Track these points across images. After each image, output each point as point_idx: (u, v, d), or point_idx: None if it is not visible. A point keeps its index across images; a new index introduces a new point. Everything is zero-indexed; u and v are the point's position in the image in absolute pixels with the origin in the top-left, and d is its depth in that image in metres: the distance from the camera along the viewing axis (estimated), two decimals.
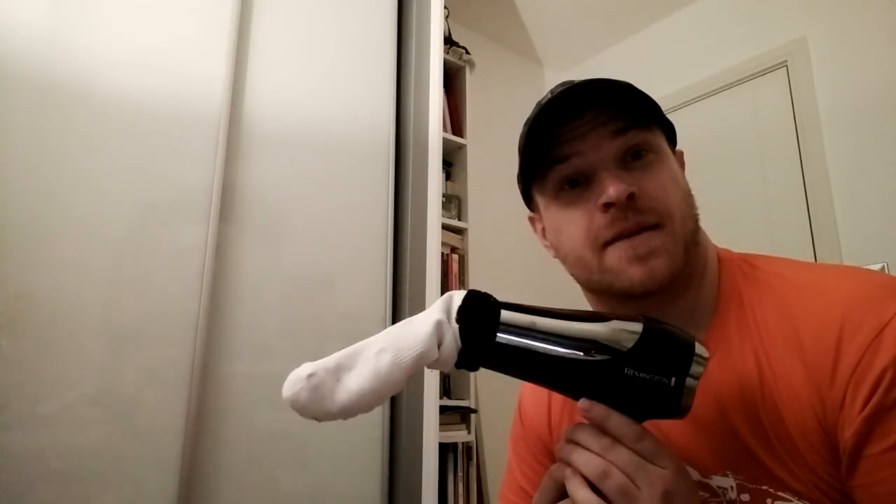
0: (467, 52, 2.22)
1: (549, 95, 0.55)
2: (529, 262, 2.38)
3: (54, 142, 1.07)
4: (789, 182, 1.99)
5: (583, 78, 0.54)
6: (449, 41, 2.14)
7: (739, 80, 2.20)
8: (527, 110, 0.56)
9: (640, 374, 0.41)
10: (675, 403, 0.41)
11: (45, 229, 1.03)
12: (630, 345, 0.41)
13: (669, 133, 0.59)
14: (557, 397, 0.65)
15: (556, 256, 0.59)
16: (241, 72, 1.32)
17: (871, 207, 1.78)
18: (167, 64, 1.21)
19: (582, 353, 0.41)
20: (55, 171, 1.06)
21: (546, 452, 0.68)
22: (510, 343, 0.42)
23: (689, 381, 0.41)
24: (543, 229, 0.61)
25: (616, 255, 0.51)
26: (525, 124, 0.56)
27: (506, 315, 0.43)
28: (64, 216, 1.05)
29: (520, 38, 2.71)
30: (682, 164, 0.59)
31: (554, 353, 0.42)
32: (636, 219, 0.50)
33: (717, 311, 0.53)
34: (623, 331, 0.42)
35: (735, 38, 2.24)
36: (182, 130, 1.21)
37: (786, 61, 2.07)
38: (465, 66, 2.21)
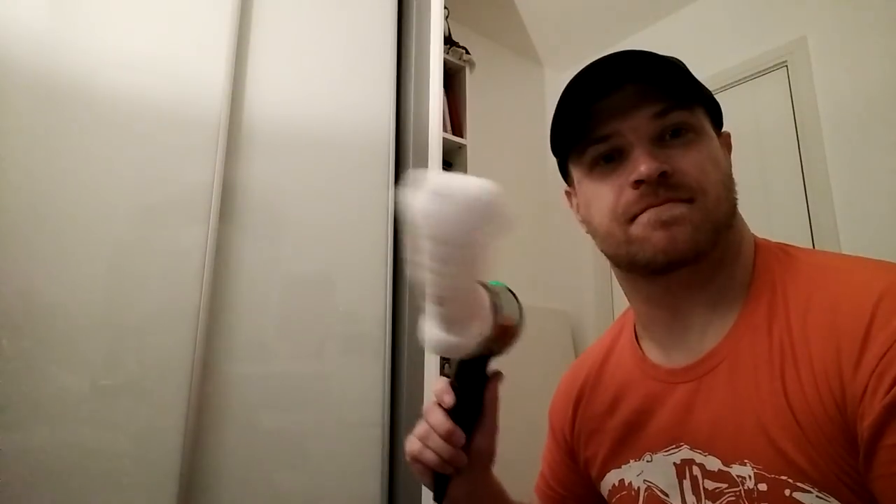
0: (467, 52, 2.22)
1: (589, 64, 0.54)
2: (529, 261, 2.38)
3: (55, 142, 1.07)
4: (789, 182, 1.99)
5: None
6: (449, 41, 2.14)
7: (739, 80, 2.20)
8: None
9: None
10: None
11: (46, 229, 1.03)
12: None
13: (715, 113, 0.58)
14: (587, 404, 0.66)
15: (588, 231, 0.60)
16: (241, 72, 1.32)
17: (871, 207, 1.78)
18: (167, 64, 1.21)
19: None
20: (56, 171, 1.06)
21: (565, 446, 0.69)
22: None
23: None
24: (578, 205, 0.62)
25: (641, 224, 0.51)
26: (563, 93, 0.55)
27: None
28: (64, 216, 1.05)
29: (520, 38, 2.70)
30: (728, 146, 0.59)
31: None
32: (667, 195, 0.51)
33: (749, 296, 0.53)
34: None
35: (735, 38, 2.24)
36: (182, 130, 1.21)
37: (786, 61, 2.07)
38: (465, 66, 2.21)
